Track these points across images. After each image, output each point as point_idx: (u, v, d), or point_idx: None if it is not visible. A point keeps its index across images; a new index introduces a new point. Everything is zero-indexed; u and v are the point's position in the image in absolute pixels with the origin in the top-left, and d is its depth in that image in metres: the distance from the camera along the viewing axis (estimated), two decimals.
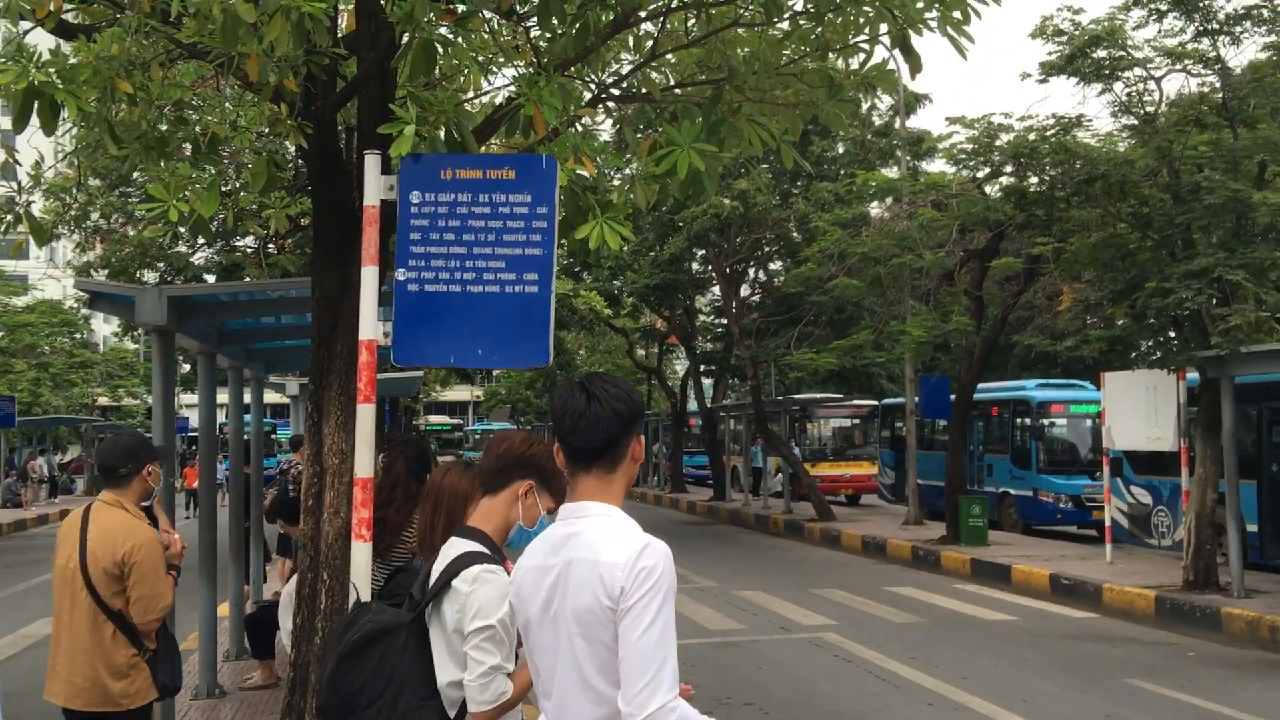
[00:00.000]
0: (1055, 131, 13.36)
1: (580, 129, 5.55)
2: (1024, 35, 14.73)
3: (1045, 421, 20.82)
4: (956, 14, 4.99)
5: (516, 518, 3.04)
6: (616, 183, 12.06)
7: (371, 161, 4.26)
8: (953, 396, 19.27)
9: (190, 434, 32.13)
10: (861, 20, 5.25)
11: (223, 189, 6.91)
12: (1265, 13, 12.02)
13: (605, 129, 16.07)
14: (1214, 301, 11.54)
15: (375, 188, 4.23)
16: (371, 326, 4.15)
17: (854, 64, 5.62)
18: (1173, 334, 13.32)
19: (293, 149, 5.84)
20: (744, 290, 27.39)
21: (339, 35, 5.31)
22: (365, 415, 4.12)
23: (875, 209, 21.42)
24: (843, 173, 24.01)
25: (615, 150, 10.81)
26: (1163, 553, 15.66)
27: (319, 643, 4.96)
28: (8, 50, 4.51)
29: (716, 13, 5.47)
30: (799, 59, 5.62)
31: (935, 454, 21.87)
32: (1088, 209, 13.28)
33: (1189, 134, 12.28)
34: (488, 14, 5.29)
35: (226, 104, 5.99)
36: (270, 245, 15.99)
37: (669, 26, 5.83)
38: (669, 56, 5.94)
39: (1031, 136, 13.59)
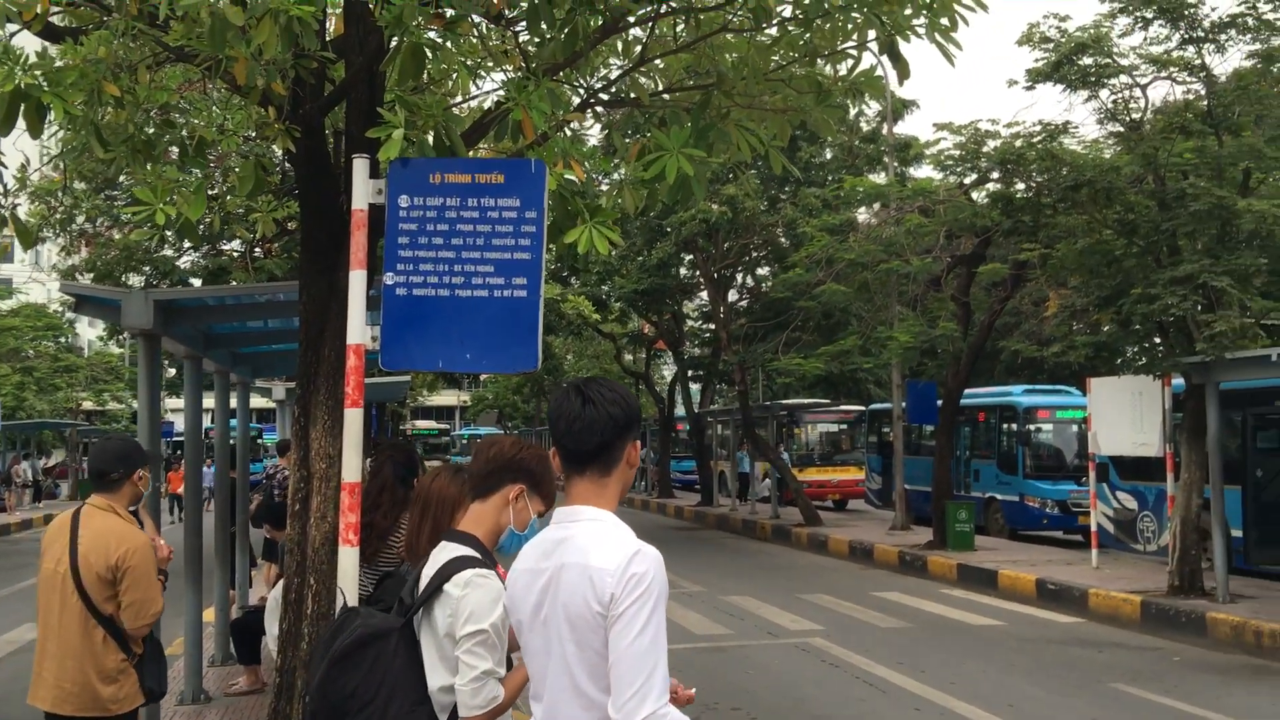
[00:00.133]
0: (1042, 138, 13.40)
1: (569, 134, 5.55)
2: (1011, 42, 14.79)
3: (1031, 427, 20.89)
4: (944, 21, 5.02)
5: (507, 522, 3.03)
6: (605, 187, 12.06)
7: (360, 165, 4.25)
8: (940, 402, 19.32)
9: (175, 439, 32.01)
10: (850, 26, 5.27)
11: (210, 193, 6.88)
12: (1250, 21, 12.08)
13: (594, 134, 16.06)
14: (1199, 308, 11.59)
15: (363, 191, 4.22)
16: (359, 330, 4.13)
17: (842, 70, 5.64)
18: (1158, 340, 13.37)
19: (280, 153, 5.83)
20: (732, 295, 27.41)
21: (327, 39, 5.31)
22: (353, 420, 4.11)
23: (863, 214, 21.50)
24: (830, 178, 24.04)
25: (604, 155, 10.79)
26: (1148, 558, 15.72)
27: (305, 648, 4.95)
28: None
29: (705, 18, 5.47)
30: (787, 65, 5.64)
31: (922, 459, 21.92)
32: (1074, 215, 13.34)
33: (1174, 141, 12.35)
34: (476, 18, 5.29)
35: (214, 107, 5.98)
36: (257, 249, 15.96)
37: (658, 32, 5.84)
38: (658, 62, 5.94)
39: (1018, 143, 13.63)
